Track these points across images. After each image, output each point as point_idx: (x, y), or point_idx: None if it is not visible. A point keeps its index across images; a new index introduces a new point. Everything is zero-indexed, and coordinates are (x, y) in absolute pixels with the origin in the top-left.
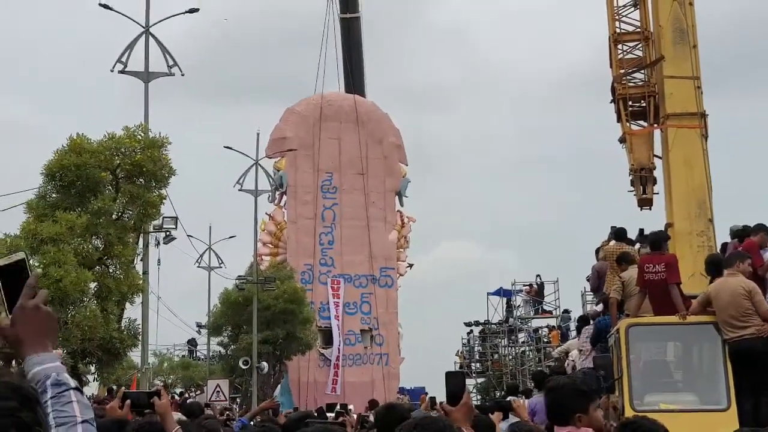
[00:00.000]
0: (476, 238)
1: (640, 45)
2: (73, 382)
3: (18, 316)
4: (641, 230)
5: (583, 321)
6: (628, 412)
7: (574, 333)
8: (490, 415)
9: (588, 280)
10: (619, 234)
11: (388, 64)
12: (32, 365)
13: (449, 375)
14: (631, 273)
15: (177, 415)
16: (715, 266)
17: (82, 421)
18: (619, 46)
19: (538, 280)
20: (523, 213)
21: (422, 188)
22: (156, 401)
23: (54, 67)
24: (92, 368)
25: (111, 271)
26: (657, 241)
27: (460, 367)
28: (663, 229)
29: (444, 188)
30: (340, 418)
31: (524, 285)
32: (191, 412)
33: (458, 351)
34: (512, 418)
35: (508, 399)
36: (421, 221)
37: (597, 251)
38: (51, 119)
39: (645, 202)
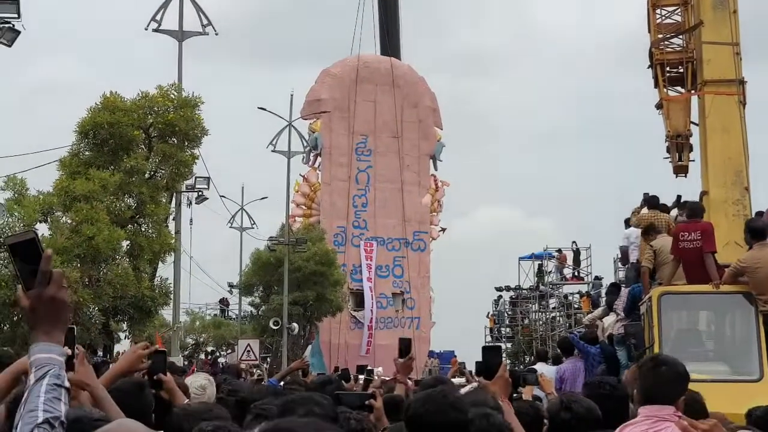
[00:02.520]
0: (515, 204)
1: (678, 10)
2: (67, 383)
3: (34, 305)
4: (679, 196)
5: (614, 287)
6: None
7: (604, 300)
8: (520, 387)
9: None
10: (651, 202)
11: (430, 27)
12: (38, 351)
13: (486, 349)
14: (662, 241)
15: (201, 375)
16: (753, 233)
17: (62, 421)
18: (658, 11)
19: (574, 246)
20: (564, 180)
21: (464, 152)
22: (163, 378)
23: (91, 25)
24: (124, 326)
25: (143, 229)
26: (694, 209)
27: (491, 330)
28: (698, 197)
29: (485, 153)
30: (370, 389)
31: (555, 251)
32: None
33: (488, 313)
34: (537, 391)
35: (535, 366)
36: (460, 185)
37: (626, 221)
38: (90, 76)
39: (681, 170)
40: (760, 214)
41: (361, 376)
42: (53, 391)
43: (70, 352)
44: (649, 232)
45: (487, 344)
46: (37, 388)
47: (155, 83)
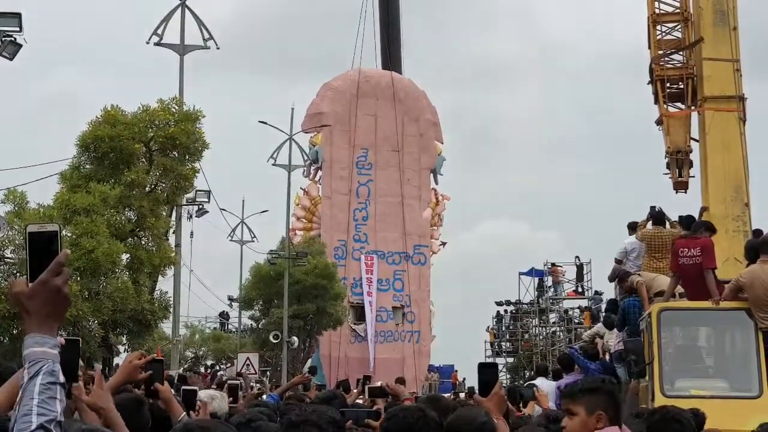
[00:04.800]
0: (518, 217)
1: (679, 26)
2: (62, 378)
3: (37, 290)
4: (680, 217)
5: (612, 304)
6: (659, 398)
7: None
8: (520, 405)
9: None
10: (656, 217)
11: (433, 39)
12: (32, 343)
13: (482, 366)
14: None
15: (208, 392)
16: (753, 252)
17: (58, 421)
18: (658, 27)
19: (577, 261)
20: (568, 193)
21: (467, 165)
22: (159, 387)
23: (92, 38)
24: (123, 339)
25: (143, 243)
26: (696, 226)
27: (491, 344)
28: (699, 213)
29: (489, 166)
30: (375, 407)
31: (550, 265)
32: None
33: (488, 327)
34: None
35: (535, 381)
36: (463, 198)
37: (630, 226)
38: (92, 89)
39: (681, 186)
40: (757, 231)
41: (354, 391)
42: (47, 390)
43: (63, 341)
44: (623, 280)
45: (482, 361)
46: (31, 387)
47: (156, 95)
